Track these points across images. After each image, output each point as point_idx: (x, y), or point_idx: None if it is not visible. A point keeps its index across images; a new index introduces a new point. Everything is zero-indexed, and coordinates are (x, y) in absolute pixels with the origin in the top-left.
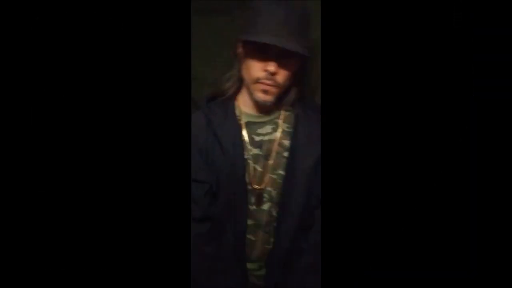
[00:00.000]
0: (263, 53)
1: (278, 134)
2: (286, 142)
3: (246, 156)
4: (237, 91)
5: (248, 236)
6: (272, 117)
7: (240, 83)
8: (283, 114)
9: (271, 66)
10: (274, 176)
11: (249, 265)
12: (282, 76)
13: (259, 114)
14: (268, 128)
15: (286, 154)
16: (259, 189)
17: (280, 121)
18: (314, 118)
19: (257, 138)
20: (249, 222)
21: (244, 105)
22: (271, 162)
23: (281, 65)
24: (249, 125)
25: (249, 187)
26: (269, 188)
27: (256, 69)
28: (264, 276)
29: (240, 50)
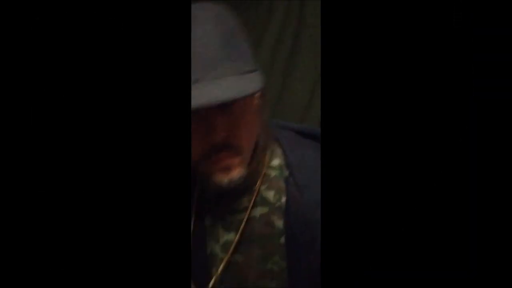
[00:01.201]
0: (199, 119)
1: (262, 210)
2: (279, 222)
3: (209, 249)
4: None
5: None
6: (249, 183)
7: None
8: (268, 177)
9: (213, 133)
10: (272, 266)
11: None
12: (236, 134)
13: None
14: (245, 202)
15: (282, 239)
16: None
17: (263, 189)
18: (311, 160)
19: (230, 218)
20: None
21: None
22: (258, 251)
23: (226, 120)
24: (216, 200)
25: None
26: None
27: (197, 146)
28: None
29: None
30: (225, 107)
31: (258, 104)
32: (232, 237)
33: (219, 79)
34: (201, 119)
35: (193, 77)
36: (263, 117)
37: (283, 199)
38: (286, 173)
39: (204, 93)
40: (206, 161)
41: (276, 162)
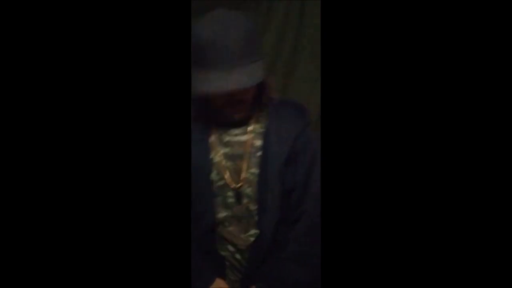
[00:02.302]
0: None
1: (249, 135)
2: (258, 143)
3: (212, 156)
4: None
5: (228, 228)
6: (244, 121)
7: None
8: (255, 116)
9: (231, 105)
10: (248, 175)
11: (230, 247)
12: (246, 98)
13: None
14: (237, 130)
15: (259, 153)
16: (237, 187)
17: (252, 122)
18: (285, 114)
19: (226, 138)
20: (227, 214)
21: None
22: (244, 162)
23: (240, 94)
24: (218, 126)
25: (221, 183)
26: (245, 186)
27: (218, 101)
28: (245, 260)
29: None
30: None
31: (264, 84)
32: (228, 150)
33: (232, 70)
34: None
35: (211, 64)
36: (265, 92)
37: (264, 129)
38: (270, 109)
39: (225, 85)
40: (224, 108)
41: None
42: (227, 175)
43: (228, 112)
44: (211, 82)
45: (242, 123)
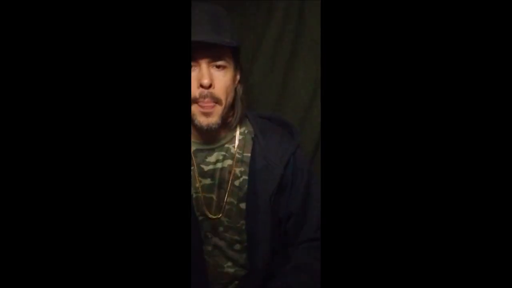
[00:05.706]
0: (195, 61)
1: (230, 161)
2: (238, 170)
3: (193, 189)
4: None
5: (212, 258)
6: (222, 142)
7: None
8: (235, 138)
9: (205, 79)
10: (228, 206)
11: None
12: (219, 89)
13: (206, 141)
14: (218, 155)
15: (236, 183)
16: (214, 218)
17: (231, 147)
18: (271, 135)
19: (206, 168)
20: (209, 248)
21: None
22: (223, 191)
23: (215, 76)
24: (196, 153)
25: (205, 216)
26: (224, 218)
27: (192, 87)
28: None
29: None
30: (214, 62)
31: (237, 76)
32: (208, 181)
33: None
34: (196, 60)
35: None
36: (241, 93)
37: (248, 153)
38: (255, 131)
39: (205, 36)
40: (194, 103)
41: (243, 129)
42: (206, 206)
43: (199, 114)
44: (196, 36)
45: (212, 138)
